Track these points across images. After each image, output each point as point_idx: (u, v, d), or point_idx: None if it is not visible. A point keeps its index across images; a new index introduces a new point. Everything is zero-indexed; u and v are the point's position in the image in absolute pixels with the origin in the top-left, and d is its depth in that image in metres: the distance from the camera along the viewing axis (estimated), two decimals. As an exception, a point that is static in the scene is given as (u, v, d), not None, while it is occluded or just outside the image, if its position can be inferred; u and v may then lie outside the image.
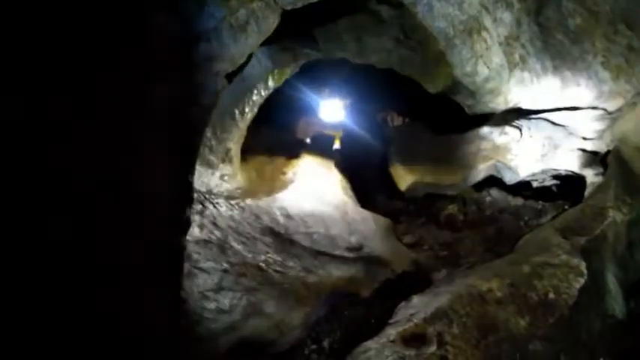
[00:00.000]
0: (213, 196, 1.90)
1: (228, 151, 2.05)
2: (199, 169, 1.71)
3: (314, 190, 2.53)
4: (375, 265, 1.78)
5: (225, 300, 1.51)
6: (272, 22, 1.23)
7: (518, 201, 2.36)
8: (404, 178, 2.86)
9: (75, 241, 0.94)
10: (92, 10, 1.00)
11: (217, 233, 1.69)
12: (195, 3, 1.11)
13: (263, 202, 1.82)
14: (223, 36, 1.16)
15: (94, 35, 1.00)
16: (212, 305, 1.44)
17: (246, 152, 2.19)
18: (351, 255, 1.86)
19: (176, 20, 1.09)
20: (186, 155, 1.12)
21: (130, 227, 0.99)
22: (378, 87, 2.17)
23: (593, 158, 2.14)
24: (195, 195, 1.56)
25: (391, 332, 1.39)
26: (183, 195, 1.18)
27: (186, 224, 1.17)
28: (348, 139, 3.70)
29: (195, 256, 1.58)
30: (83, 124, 0.99)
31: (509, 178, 2.27)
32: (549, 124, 2.04)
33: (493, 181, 2.18)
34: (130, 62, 1.03)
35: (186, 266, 1.35)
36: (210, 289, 1.52)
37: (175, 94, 1.08)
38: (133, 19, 1.04)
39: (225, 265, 1.63)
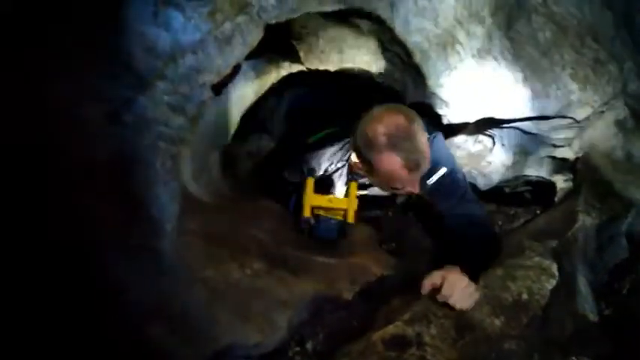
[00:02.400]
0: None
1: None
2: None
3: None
4: (356, 270, 1.82)
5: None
6: (256, 35, 1.27)
7: (492, 206, 2.42)
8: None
9: None
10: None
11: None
12: (181, 16, 1.15)
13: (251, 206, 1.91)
14: (209, 48, 1.20)
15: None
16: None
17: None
18: (332, 260, 1.90)
19: (163, 33, 1.12)
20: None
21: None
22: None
23: (562, 165, 2.21)
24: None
25: (372, 334, 1.43)
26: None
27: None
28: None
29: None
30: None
31: (483, 185, 2.34)
32: (521, 133, 2.11)
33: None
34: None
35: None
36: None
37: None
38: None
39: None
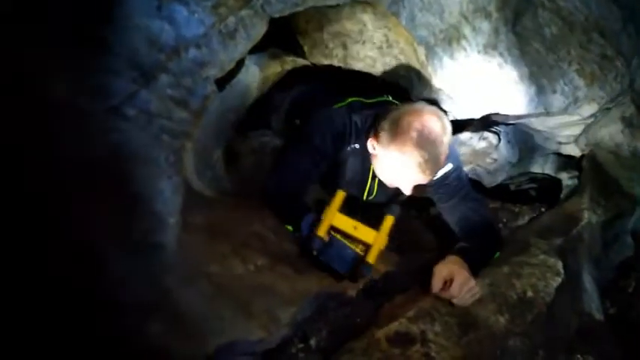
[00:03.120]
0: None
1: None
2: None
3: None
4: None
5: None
6: (260, 29, 1.26)
7: (497, 204, 2.41)
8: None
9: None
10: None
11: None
12: (185, 10, 1.14)
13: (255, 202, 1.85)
14: (213, 42, 1.19)
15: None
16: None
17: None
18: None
19: (166, 26, 1.12)
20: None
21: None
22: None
23: (568, 162, 2.20)
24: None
25: (376, 331, 1.42)
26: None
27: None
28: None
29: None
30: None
31: (488, 182, 2.33)
32: (526, 130, 2.10)
33: (472, 184, 2.23)
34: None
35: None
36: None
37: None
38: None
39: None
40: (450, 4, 1.61)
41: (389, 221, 1.61)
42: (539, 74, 1.80)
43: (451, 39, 1.67)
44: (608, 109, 1.99)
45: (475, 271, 1.62)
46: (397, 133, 1.60)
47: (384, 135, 1.66)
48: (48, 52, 0.98)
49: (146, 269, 1.03)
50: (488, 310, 1.51)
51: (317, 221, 1.59)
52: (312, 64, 2.05)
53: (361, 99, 1.86)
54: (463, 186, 1.90)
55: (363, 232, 1.59)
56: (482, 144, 2.27)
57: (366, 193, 2.00)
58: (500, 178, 2.32)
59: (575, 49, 1.81)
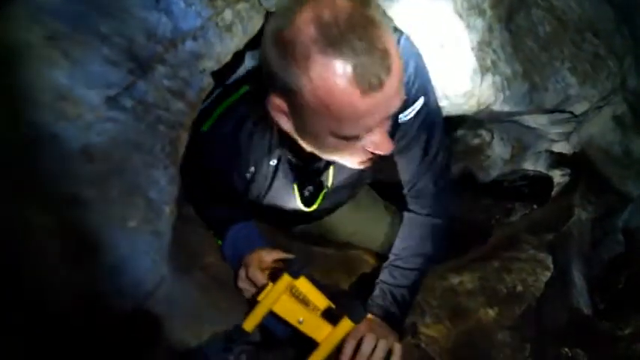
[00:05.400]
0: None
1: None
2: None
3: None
4: (351, 260, 1.83)
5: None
6: (257, 22, 1.27)
7: (489, 200, 2.43)
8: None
9: None
10: None
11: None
12: (182, 2, 1.15)
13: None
14: (209, 35, 1.20)
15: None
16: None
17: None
18: (328, 251, 1.91)
19: (164, 18, 1.13)
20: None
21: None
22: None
23: (560, 159, 2.22)
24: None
25: (368, 323, 1.44)
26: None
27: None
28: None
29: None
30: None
31: (481, 179, 2.35)
32: (519, 127, 2.11)
33: (465, 181, 2.26)
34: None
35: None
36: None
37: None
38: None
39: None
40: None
41: (345, 327, 1.17)
42: (532, 72, 1.81)
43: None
44: (600, 107, 2.01)
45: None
46: (286, 55, 0.95)
47: (272, 80, 1.02)
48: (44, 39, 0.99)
49: (144, 255, 1.04)
50: (478, 303, 1.54)
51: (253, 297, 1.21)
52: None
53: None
54: (434, 133, 1.38)
55: (311, 326, 1.19)
56: (476, 141, 2.29)
57: (318, 202, 1.46)
58: (493, 175, 2.34)
59: (568, 48, 1.83)
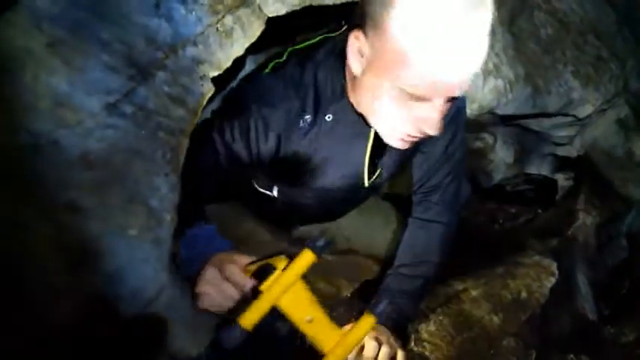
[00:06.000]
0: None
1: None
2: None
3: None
4: (354, 267, 1.82)
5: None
6: (257, 28, 1.27)
7: (493, 204, 2.42)
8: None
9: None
10: None
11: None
12: (183, 8, 1.15)
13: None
14: (210, 40, 1.19)
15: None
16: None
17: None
18: (330, 257, 1.90)
19: (164, 24, 1.12)
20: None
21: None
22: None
23: (564, 163, 2.21)
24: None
25: (371, 330, 1.43)
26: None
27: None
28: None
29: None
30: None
31: (484, 183, 2.34)
32: (522, 130, 2.11)
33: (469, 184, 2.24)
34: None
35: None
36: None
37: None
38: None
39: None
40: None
41: (367, 324, 0.95)
42: (535, 75, 1.81)
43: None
44: (603, 110, 2.00)
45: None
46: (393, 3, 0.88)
47: (363, 11, 0.97)
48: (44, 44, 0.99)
49: (144, 262, 1.03)
50: (482, 310, 1.52)
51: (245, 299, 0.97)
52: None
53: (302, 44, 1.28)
54: (457, 124, 1.35)
55: (320, 330, 0.92)
56: (479, 144, 2.28)
57: (365, 175, 1.30)
58: (496, 179, 2.33)
59: (571, 51, 1.83)
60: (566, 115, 1.93)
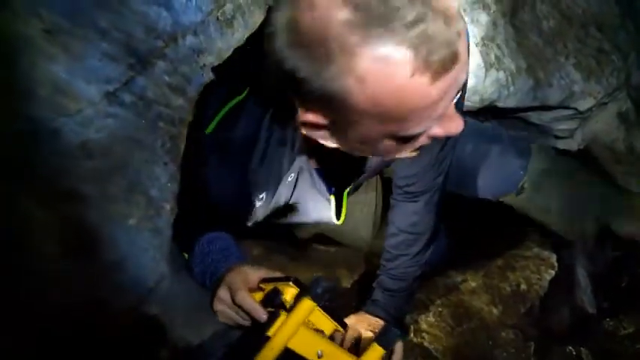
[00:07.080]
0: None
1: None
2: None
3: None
4: (354, 258, 1.82)
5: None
6: (257, 16, 1.26)
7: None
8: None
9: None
10: None
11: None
12: (183, -4, 1.14)
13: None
14: (210, 29, 1.18)
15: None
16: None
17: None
18: (331, 248, 1.90)
19: (164, 13, 1.11)
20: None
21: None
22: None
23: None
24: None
25: (370, 321, 1.43)
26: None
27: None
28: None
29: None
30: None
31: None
32: (523, 123, 2.10)
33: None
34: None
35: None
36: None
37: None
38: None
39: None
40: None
41: (376, 353, 0.99)
42: (536, 67, 1.80)
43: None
44: (605, 103, 1.99)
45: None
46: (321, 57, 0.71)
47: (306, 87, 0.78)
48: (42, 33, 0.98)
49: (144, 252, 1.03)
50: (481, 302, 1.53)
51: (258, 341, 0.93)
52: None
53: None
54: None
55: (333, 358, 0.95)
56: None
57: (334, 219, 1.28)
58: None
59: (573, 43, 1.81)
60: (568, 107, 1.93)
